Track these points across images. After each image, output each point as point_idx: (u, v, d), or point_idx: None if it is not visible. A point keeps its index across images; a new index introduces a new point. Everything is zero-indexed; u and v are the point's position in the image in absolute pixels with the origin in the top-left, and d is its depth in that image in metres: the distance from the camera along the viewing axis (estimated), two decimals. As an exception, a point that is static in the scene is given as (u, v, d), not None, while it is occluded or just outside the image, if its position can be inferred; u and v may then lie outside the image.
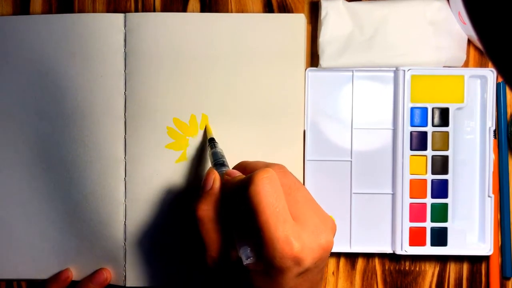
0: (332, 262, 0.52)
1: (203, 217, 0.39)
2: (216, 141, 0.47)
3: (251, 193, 0.36)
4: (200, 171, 0.50)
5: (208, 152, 0.47)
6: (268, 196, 0.36)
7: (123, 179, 0.50)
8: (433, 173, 0.50)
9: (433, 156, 0.50)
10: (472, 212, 0.51)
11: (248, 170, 0.42)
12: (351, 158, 0.50)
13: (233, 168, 0.43)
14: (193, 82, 0.49)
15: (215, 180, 0.41)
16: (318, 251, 0.36)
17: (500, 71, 0.24)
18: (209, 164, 0.50)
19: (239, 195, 0.37)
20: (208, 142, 0.48)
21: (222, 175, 0.41)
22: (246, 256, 0.36)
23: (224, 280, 0.40)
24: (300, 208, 0.38)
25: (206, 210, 0.39)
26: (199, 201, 0.40)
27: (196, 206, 0.40)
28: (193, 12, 0.51)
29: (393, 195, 0.50)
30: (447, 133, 0.50)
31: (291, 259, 0.35)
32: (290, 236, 0.35)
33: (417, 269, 0.52)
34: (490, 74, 0.50)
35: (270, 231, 0.35)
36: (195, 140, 0.50)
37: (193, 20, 0.50)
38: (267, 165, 0.41)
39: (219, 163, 0.44)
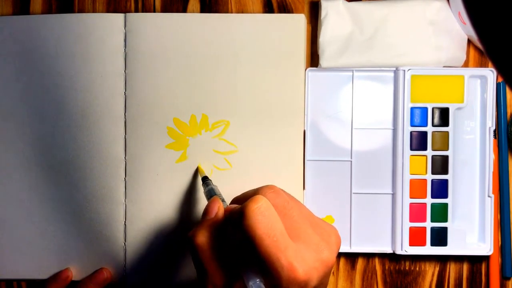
0: (332, 262, 0.52)
1: (203, 245, 0.38)
2: (210, 178, 0.47)
3: (245, 227, 0.35)
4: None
5: (204, 190, 0.46)
6: (262, 227, 0.35)
7: (123, 179, 0.50)
8: (433, 173, 0.50)
9: (433, 156, 0.50)
10: (472, 212, 0.51)
11: (241, 202, 0.40)
12: (351, 158, 0.50)
13: (228, 205, 0.43)
14: (193, 82, 0.49)
15: (219, 209, 0.40)
16: (322, 269, 0.36)
17: (500, 71, 0.24)
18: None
19: (237, 228, 0.36)
20: (202, 181, 0.47)
21: None
22: None
23: None
24: (298, 226, 0.37)
25: (207, 237, 0.38)
26: (199, 227, 0.39)
27: (195, 232, 0.38)
28: (193, 12, 0.51)
29: (393, 195, 0.50)
30: (447, 133, 0.50)
31: (298, 283, 0.35)
32: (294, 261, 0.35)
33: (417, 269, 0.52)
34: (490, 74, 0.50)
35: (272, 261, 0.35)
36: (195, 140, 0.50)
37: (193, 20, 0.50)
38: (256, 191, 0.40)
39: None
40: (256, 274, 0.36)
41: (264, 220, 0.35)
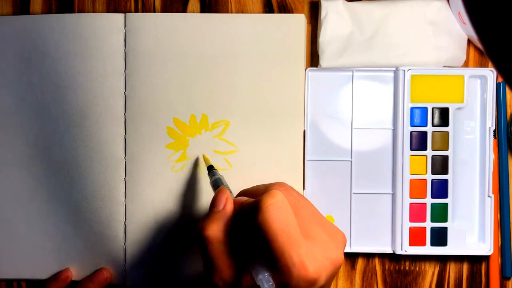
0: (332, 262, 0.52)
1: (212, 238, 0.37)
2: (215, 168, 0.47)
3: (260, 221, 0.35)
4: (200, 171, 0.50)
5: (210, 180, 0.45)
6: (278, 223, 0.35)
7: (123, 179, 0.50)
8: (433, 173, 0.50)
9: (433, 156, 0.50)
10: (472, 212, 0.51)
11: (250, 197, 0.40)
12: (351, 158, 0.50)
13: (236, 197, 0.42)
14: (193, 82, 0.49)
15: (227, 200, 0.39)
16: (330, 268, 0.36)
17: (500, 71, 0.24)
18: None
19: (248, 221, 0.36)
20: (208, 170, 0.47)
21: None
22: (266, 282, 0.35)
23: None
24: (309, 225, 0.37)
25: (217, 231, 0.38)
26: (208, 220, 0.38)
27: (204, 225, 0.38)
28: (193, 12, 0.51)
29: (393, 195, 0.50)
30: (447, 133, 0.50)
31: (308, 281, 0.35)
32: (305, 259, 0.35)
33: (417, 269, 0.52)
34: (490, 74, 0.50)
35: (284, 258, 0.35)
36: (195, 140, 0.50)
37: (193, 21, 0.50)
38: (268, 187, 0.40)
39: None
40: (265, 269, 0.35)
41: (280, 216, 0.35)
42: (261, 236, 0.35)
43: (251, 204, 0.37)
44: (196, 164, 0.50)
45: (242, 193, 0.43)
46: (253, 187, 0.43)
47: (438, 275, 0.52)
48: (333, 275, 0.37)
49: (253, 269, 0.36)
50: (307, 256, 0.35)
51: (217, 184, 0.44)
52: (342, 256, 0.38)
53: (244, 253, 0.37)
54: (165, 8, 0.52)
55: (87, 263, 0.51)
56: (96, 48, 0.49)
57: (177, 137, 0.50)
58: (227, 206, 0.39)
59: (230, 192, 0.42)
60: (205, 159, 0.49)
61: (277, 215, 0.35)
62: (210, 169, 0.46)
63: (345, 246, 0.39)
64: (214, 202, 0.39)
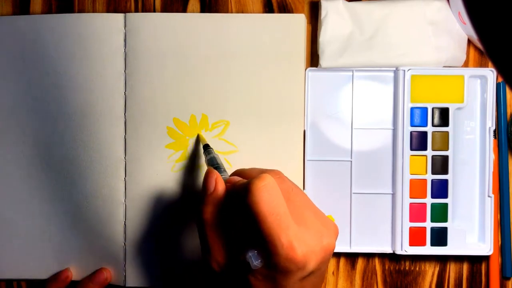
0: (332, 262, 0.52)
1: (207, 220, 0.39)
2: (211, 146, 0.47)
3: (250, 202, 0.36)
4: (200, 171, 0.50)
5: (205, 158, 0.46)
6: (267, 204, 0.35)
7: (123, 179, 0.50)
8: (433, 173, 0.50)
9: (433, 156, 0.50)
10: (472, 212, 0.51)
11: (243, 177, 0.41)
12: (351, 158, 0.50)
13: (230, 175, 0.43)
14: (193, 82, 0.49)
15: (217, 182, 0.40)
16: (321, 254, 0.37)
17: (500, 71, 0.24)
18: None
19: (239, 202, 0.37)
20: (203, 149, 0.47)
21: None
22: (255, 259, 0.36)
23: (229, 283, 0.39)
24: (301, 212, 0.38)
25: (210, 213, 0.39)
26: (205, 203, 0.39)
27: (202, 208, 0.39)
28: (193, 12, 0.51)
29: (393, 195, 0.50)
30: (447, 133, 0.50)
31: (295, 263, 0.35)
32: (294, 241, 0.35)
33: (417, 269, 0.52)
34: (490, 74, 0.50)
35: (273, 238, 0.35)
36: (195, 140, 0.50)
37: (193, 20, 0.50)
38: (262, 172, 0.40)
39: (217, 168, 0.44)
40: (254, 246, 0.36)
41: (269, 198, 0.36)
42: (251, 217, 0.36)
43: (242, 185, 0.37)
44: (195, 163, 0.50)
45: (237, 173, 0.44)
46: (249, 168, 0.44)
47: (438, 275, 0.52)
48: (325, 262, 0.38)
49: (244, 247, 0.36)
50: (296, 238, 0.35)
51: (211, 162, 0.45)
52: (334, 244, 0.38)
53: (237, 234, 0.38)
54: (165, 8, 0.52)
55: (87, 263, 0.51)
56: (96, 48, 0.49)
57: (177, 137, 0.50)
58: (218, 187, 0.40)
59: (224, 170, 0.43)
60: (201, 138, 0.49)
61: (267, 197, 0.36)
62: (206, 148, 0.47)
63: (337, 236, 0.39)
64: (204, 185, 0.40)
